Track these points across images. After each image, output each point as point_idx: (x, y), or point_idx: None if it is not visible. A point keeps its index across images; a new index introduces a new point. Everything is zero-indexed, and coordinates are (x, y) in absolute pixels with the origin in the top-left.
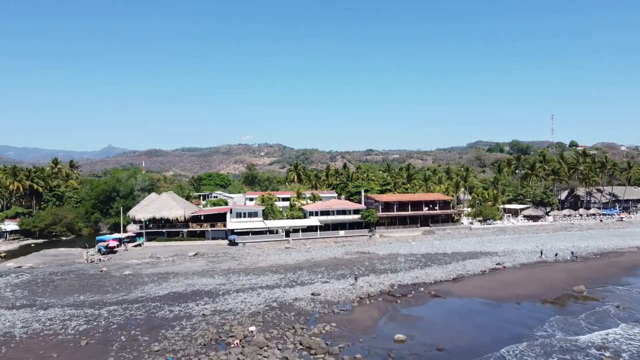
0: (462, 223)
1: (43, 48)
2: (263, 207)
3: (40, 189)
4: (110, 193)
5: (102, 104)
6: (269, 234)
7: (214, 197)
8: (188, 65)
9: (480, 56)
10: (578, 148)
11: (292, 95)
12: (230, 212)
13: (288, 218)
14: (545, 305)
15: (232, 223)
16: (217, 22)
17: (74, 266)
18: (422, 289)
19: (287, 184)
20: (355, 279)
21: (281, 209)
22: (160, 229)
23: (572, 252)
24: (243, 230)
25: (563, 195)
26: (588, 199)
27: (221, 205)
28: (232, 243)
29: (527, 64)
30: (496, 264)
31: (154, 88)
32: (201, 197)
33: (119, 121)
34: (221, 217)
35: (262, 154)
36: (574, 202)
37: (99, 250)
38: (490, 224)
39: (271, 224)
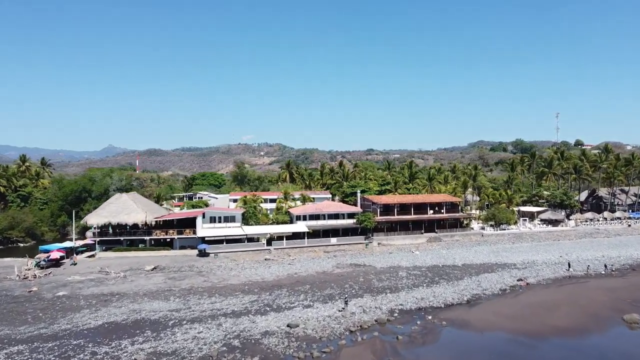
0: (472, 228)
1: (44, 48)
2: (242, 210)
3: (2, 189)
4: (80, 193)
5: (103, 105)
6: (248, 242)
7: (199, 197)
8: (189, 66)
9: (482, 55)
10: (584, 147)
11: (293, 95)
12: (203, 217)
13: (273, 223)
14: (600, 345)
15: (204, 229)
16: (218, 23)
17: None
18: (430, 317)
19: (279, 183)
20: (345, 303)
21: (268, 212)
22: (117, 237)
23: (605, 265)
24: (216, 238)
25: (582, 196)
26: (612, 200)
27: (201, 207)
28: (202, 254)
29: (528, 62)
30: (517, 280)
31: (155, 89)
32: (185, 198)
33: (120, 121)
34: (190, 223)
35: (262, 153)
36: (596, 204)
37: (37, 264)
38: (504, 230)
39: (250, 230)
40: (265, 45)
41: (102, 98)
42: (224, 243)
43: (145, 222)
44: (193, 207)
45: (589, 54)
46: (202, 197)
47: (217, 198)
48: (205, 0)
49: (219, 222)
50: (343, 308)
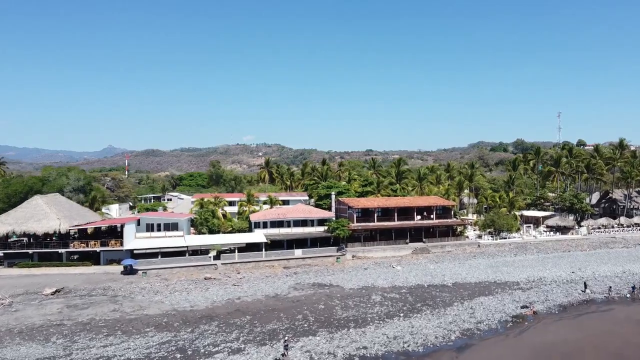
0: (467, 237)
1: (45, 49)
2: (190, 216)
3: None
4: (27, 195)
5: (104, 106)
6: (191, 255)
7: (167, 199)
8: (190, 67)
9: (482, 55)
10: (586, 147)
11: (293, 96)
12: (138, 224)
13: (232, 231)
14: None
15: (137, 240)
16: (218, 26)
17: None
18: None
19: (260, 184)
20: (285, 347)
21: (236, 218)
22: (25, 249)
23: (633, 287)
24: (148, 251)
25: (594, 199)
26: (629, 204)
27: (155, 210)
28: (128, 271)
29: (529, 63)
30: (522, 307)
31: (156, 90)
32: (152, 199)
33: (120, 122)
34: (119, 232)
35: (260, 154)
36: (609, 208)
37: None
38: (505, 238)
39: (193, 241)
40: (265, 46)
41: (103, 99)
42: (159, 257)
43: (59, 231)
44: (147, 209)
45: (591, 54)
46: (171, 199)
47: (183, 199)
48: (205, 4)
49: (158, 230)
50: (283, 354)
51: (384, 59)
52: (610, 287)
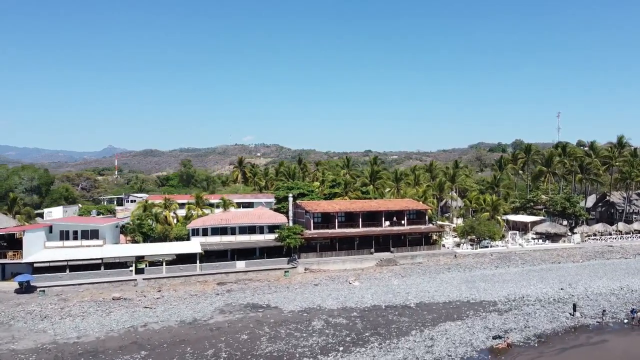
0: (444, 245)
1: (45, 49)
2: (118, 221)
3: None
4: None
5: (104, 105)
6: (106, 268)
7: (131, 200)
8: (190, 68)
9: (482, 56)
10: (586, 148)
11: (292, 94)
12: (50, 231)
13: (174, 239)
14: None
15: (43, 251)
16: (218, 26)
17: None
18: None
19: (236, 184)
20: None
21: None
22: None
23: (632, 311)
24: (56, 264)
25: (589, 202)
26: (627, 208)
27: (103, 214)
28: (24, 288)
29: (529, 64)
30: (493, 338)
31: (156, 91)
32: (115, 201)
33: (121, 123)
34: (19, 242)
35: (259, 154)
36: (606, 213)
37: None
38: (487, 247)
39: (112, 251)
40: (265, 47)
41: (103, 99)
42: (67, 271)
43: None
44: (99, 214)
45: (591, 53)
46: (135, 200)
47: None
48: (205, 4)
49: (74, 238)
50: None
51: (384, 59)
52: (605, 309)
